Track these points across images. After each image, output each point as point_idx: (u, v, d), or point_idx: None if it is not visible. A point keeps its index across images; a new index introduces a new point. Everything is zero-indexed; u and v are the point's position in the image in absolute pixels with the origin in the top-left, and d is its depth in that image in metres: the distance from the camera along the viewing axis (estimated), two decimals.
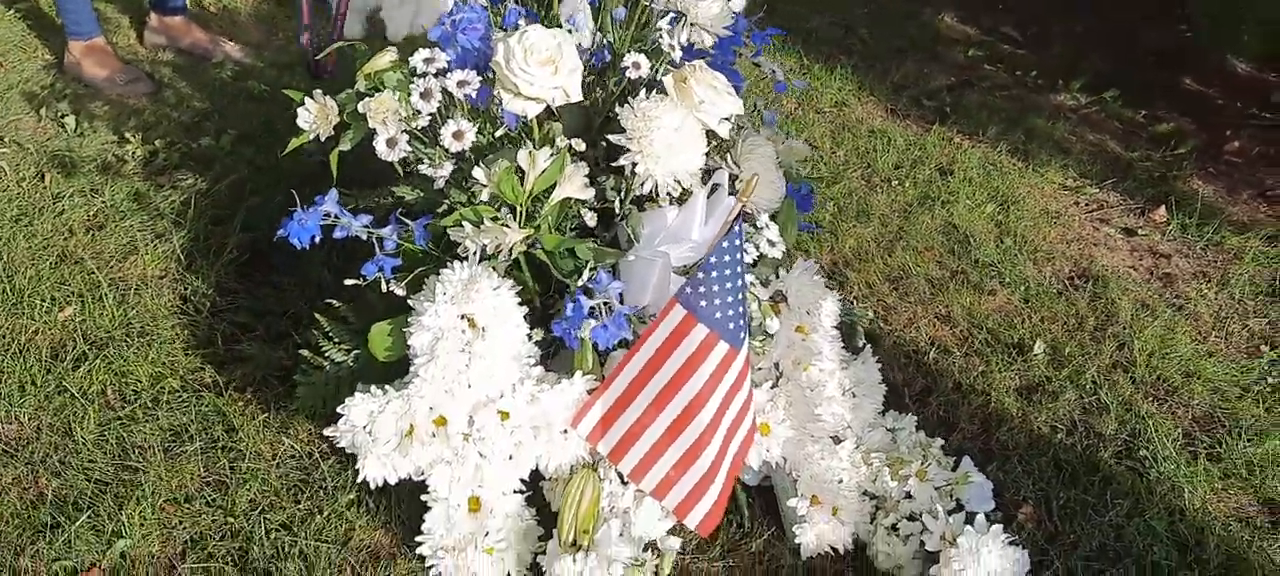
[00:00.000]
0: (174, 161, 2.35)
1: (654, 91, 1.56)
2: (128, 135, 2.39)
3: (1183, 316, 2.42)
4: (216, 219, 2.19)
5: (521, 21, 1.57)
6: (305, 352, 1.65)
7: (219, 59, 2.79)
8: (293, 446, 1.77)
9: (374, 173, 1.70)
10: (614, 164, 1.56)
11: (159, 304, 1.98)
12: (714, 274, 1.50)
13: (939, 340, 2.25)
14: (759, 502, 1.80)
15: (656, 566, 1.52)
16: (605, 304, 1.47)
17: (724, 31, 1.81)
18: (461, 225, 1.45)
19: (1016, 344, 2.26)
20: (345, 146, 1.49)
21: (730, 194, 1.74)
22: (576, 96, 1.47)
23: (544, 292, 1.67)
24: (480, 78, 1.44)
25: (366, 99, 1.43)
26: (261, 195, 2.26)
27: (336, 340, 1.64)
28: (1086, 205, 2.89)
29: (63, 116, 2.41)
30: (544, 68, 1.44)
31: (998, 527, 1.62)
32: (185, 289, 2.01)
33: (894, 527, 1.71)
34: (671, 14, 1.71)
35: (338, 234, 1.48)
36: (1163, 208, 2.88)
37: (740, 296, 1.53)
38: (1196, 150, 3.24)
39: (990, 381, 2.14)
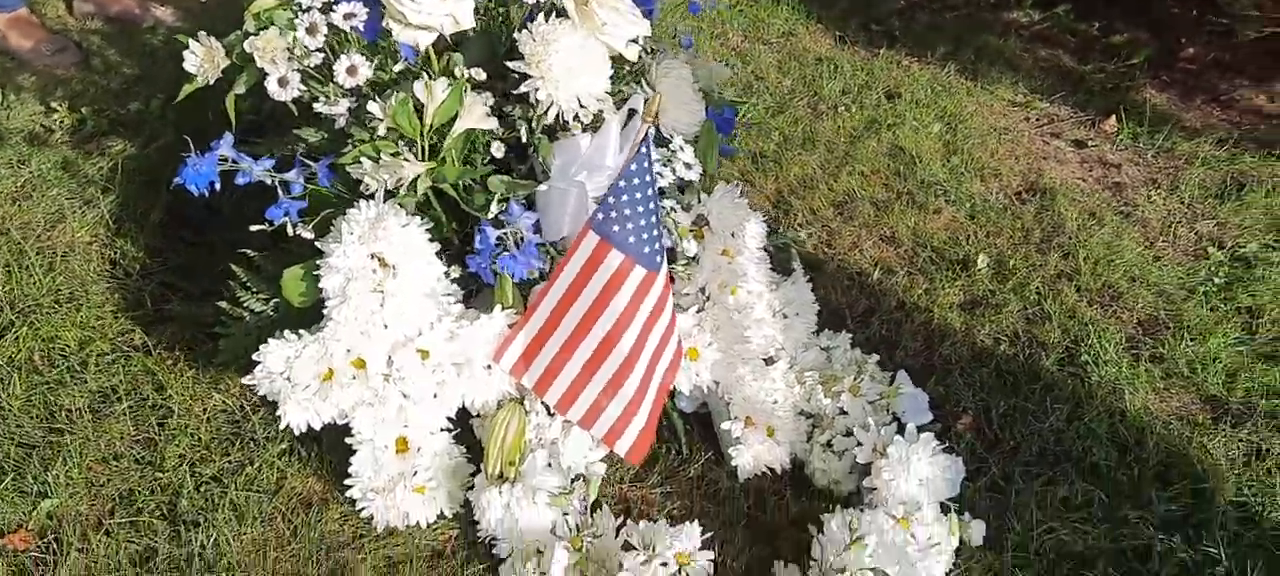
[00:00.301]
0: (102, 128, 2.31)
1: (553, 15, 1.53)
2: (55, 105, 2.35)
3: (1130, 223, 2.40)
4: (147, 182, 2.16)
5: None
6: (224, 305, 1.63)
7: (150, 24, 2.74)
8: (223, 401, 1.75)
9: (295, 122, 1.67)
10: (517, 92, 1.53)
11: (87, 269, 1.96)
12: (624, 198, 1.47)
13: (883, 261, 2.23)
14: (696, 428, 1.80)
15: (583, 493, 1.52)
16: (514, 234, 1.45)
17: None
18: (361, 162, 1.43)
19: (961, 260, 2.24)
20: (240, 89, 1.46)
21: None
22: (467, 22, 1.44)
23: (463, 230, 1.65)
24: (368, 9, 1.41)
25: (253, 38, 1.40)
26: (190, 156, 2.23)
27: (254, 290, 1.62)
28: (1036, 120, 2.86)
29: None
30: None
31: (929, 436, 1.62)
32: (114, 253, 1.99)
33: (829, 444, 1.71)
34: None
35: (240, 180, 1.46)
36: (1113, 118, 2.85)
37: (654, 220, 1.51)
38: (1150, 60, 3.21)
39: (934, 298, 2.13)
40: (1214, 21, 3.58)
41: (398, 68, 1.51)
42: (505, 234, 1.45)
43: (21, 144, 2.25)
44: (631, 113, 1.68)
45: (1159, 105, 2.99)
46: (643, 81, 1.74)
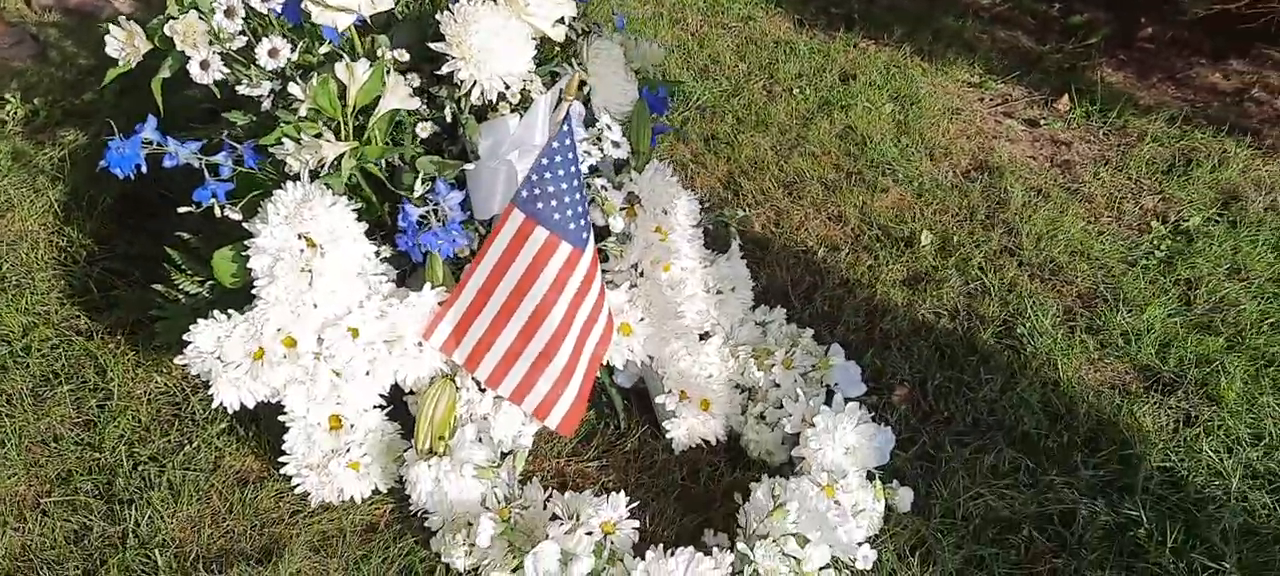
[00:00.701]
0: (55, 119, 2.33)
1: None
2: (7, 96, 2.36)
3: (1076, 199, 2.42)
4: (98, 171, 2.18)
5: None
6: (159, 288, 1.65)
7: (108, 14, 2.76)
8: (163, 383, 1.78)
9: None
10: (440, 72, 1.55)
11: (34, 257, 1.98)
12: (548, 176, 1.49)
13: (829, 239, 2.26)
14: (634, 403, 1.82)
15: (511, 466, 1.54)
16: (436, 212, 1.47)
17: None
18: (283, 143, 1.45)
19: (906, 238, 2.27)
20: (165, 73, 1.48)
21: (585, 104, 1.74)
22: (385, 4, 1.46)
23: (395, 210, 1.67)
24: None
25: (173, 21, 1.42)
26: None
27: (189, 272, 1.64)
28: (990, 100, 2.89)
29: None
30: None
31: (854, 405, 1.64)
32: (62, 241, 2.01)
33: (762, 416, 1.73)
34: None
35: (166, 162, 1.48)
36: (1065, 96, 2.87)
37: (578, 197, 1.53)
38: (1107, 39, 3.23)
39: (877, 275, 2.15)
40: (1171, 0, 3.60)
41: (323, 50, 1.53)
42: (428, 212, 1.48)
43: None
44: (561, 93, 1.71)
45: (1114, 83, 3.01)
46: (572, 62, 1.76)
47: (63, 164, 2.17)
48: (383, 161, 1.53)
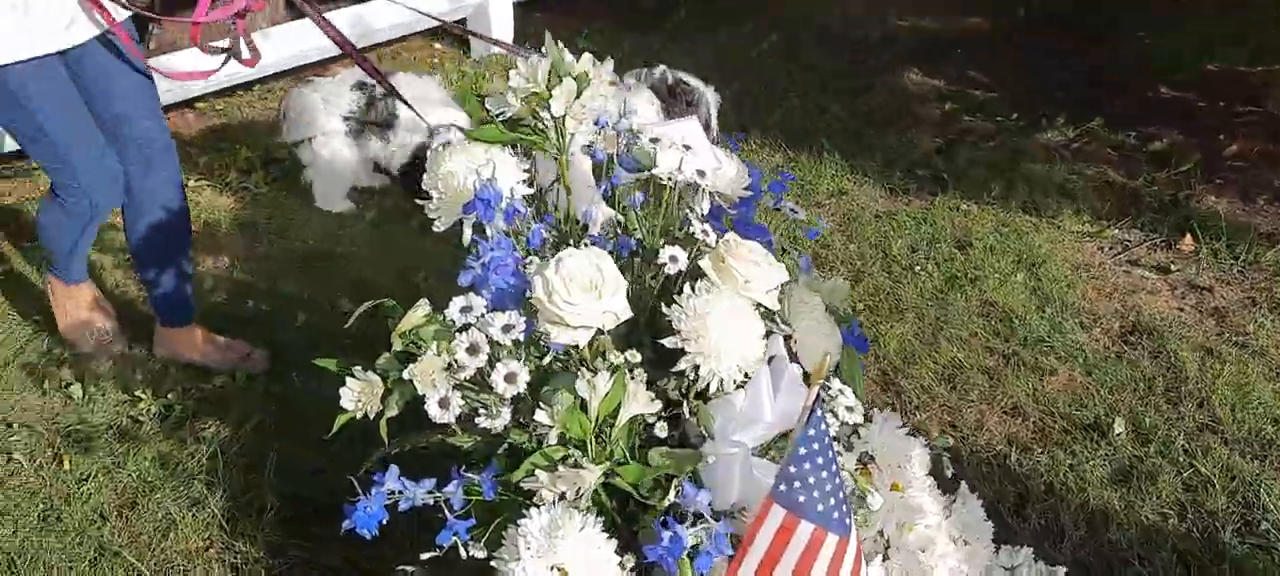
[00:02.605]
0: (190, 411, 2.20)
1: (698, 282, 1.46)
2: (138, 393, 2.24)
3: (1249, 355, 2.32)
4: (247, 467, 2.05)
5: (546, 238, 1.46)
6: None
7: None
8: None
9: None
10: (674, 369, 1.44)
11: None
12: (806, 465, 1.37)
13: (1015, 438, 2.13)
14: None
15: None
16: (706, 531, 1.34)
17: (745, 192, 1.72)
18: (534, 473, 1.33)
19: (1094, 424, 2.14)
20: (392, 412, 1.37)
21: (791, 360, 1.63)
22: (626, 315, 1.36)
23: (621, 508, 1.54)
24: (525, 318, 1.33)
25: (410, 365, 1.32)
26: (287, 435, 2.13)
27: None
28: (1111, 249, 2.81)
29: (68, 386, 2.26)
30: (587, 294, 1.33)
31: None
32: (233, 557, 1.86)
33: None
34: (693, 187, 1.61)
35: (402, 506, 1.35)
36: (1188, 236, 2.81)
37: (837, 482, 1.40)
38: (1199, 165, 3.20)
39: (1081, 474, 2.02)
40: (1245, 112, 3.60)
41: (546, 360, 1.42)
42: (697, 532, 1.34)
43: (112, 441, 2.13)
44: (772, 357, 1.60)
45: (1224, 212, 2.96)
46: (776, 319, 1.66)
47: (214, 463, 2.03)
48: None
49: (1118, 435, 2.10)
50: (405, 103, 2.29)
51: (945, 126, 3.60)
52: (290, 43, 3.44)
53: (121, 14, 1.85)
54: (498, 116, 1.51)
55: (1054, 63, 4.02)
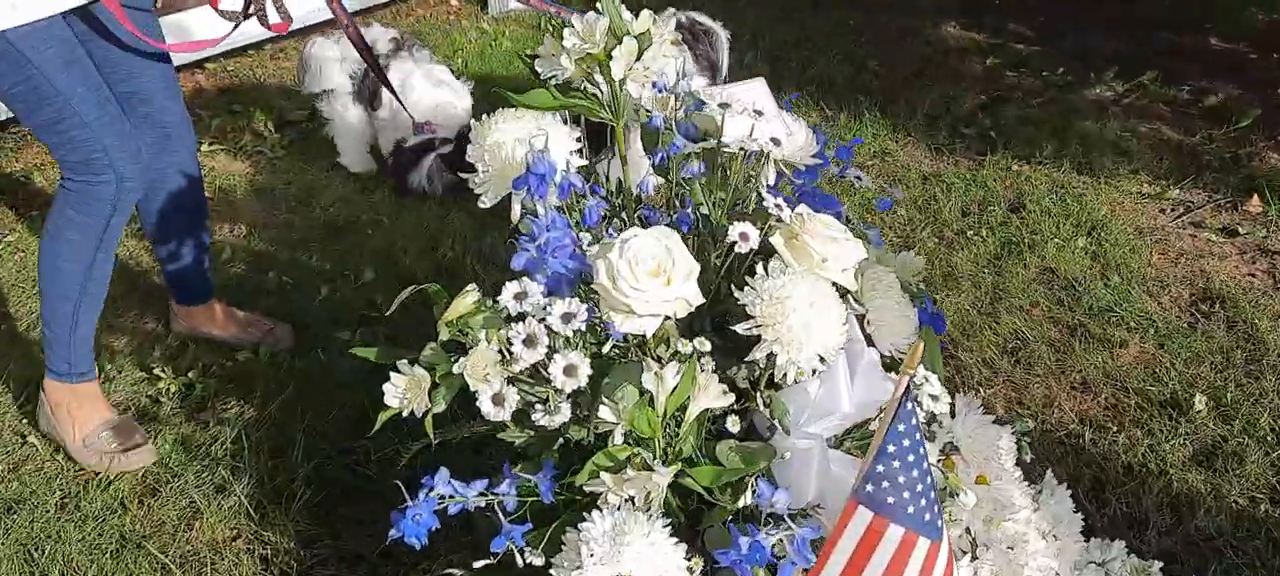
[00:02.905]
0: (212, 391, 2.09)
1: (769, 261, 1.32)
2: (157, 371, 2.12)
3: None
4: (274, 450, 1.93)
5: (605, 219, 1.32)
6: None
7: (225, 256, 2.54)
8: None
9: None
10: (747, 358, 1.31)
11: (239, 574, 1.72)
12: (896, 463, 1.25)
13: (1088, 416, 2.01)
14: None
15: None
16: (786, 537, 1.22)
17: (813, 160, 1.58)
18: (598, 475, 1.21)
19: (1171, 401, 2.02)
20: (439, 407, 1.24)
21: (867, 343, 1.50)
22: (698, 300, 1.23)
23: (683, 504, 1.42)
24: (586, 304, 1.20)
25: (462, 359, 1.19)
26: (313, 412, 2.01)
27: None
28: (1173, 211, 2.67)
29: None
30: (655, 280, 1.20)
31: None
32: (264, 549, 1.75)
33: None
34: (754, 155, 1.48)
35: (453, 510, 1.23)
36: (1255, 197, 2.66)
37: (929, 481, 1.28)
38: (1258, 122, 3.04)
39: (1162, 456, 1.89)
40: None
41: (606, 348, 1.30)
42: (776, 536, 1.22)
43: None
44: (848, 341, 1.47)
45: None
46: (849, 298, 1.52)
47: (239, 447, 1.91)
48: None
49: (1198, 412, 1.97)
50: (393, 93, 2.14)
51: (989, 82, 3.44)
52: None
53: None
54: (549, 80, 1.37)
55: (1096, 15, 3.85)
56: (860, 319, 1.57)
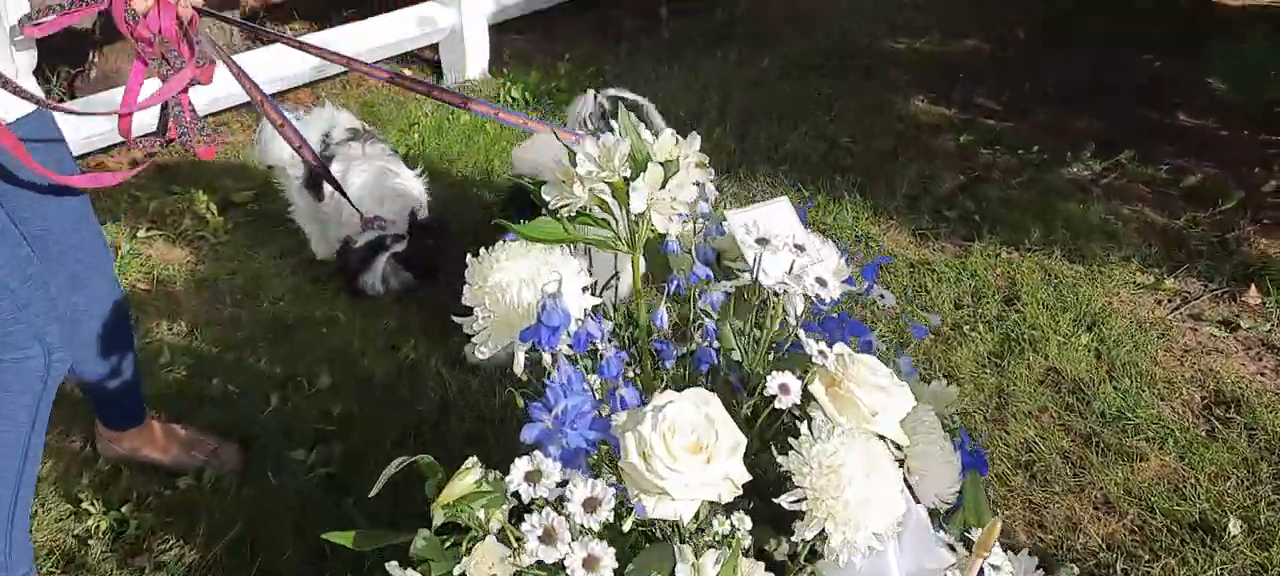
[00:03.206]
0: (148, 526, 1.84)
1: (809, 412, 1.15)
2: (85, 504, 1.87)
3: None
4: None
5: (623, 371, 1.14)
6: None
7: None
8: None
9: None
10: (792, 537, 1.14)
11: None
12: None
13: (1115, 541, 1.87)
14: None
15: None
16: None
17: (844, 286, 1.42)
18: None
19: (1201, 523, 1.89)
20: None
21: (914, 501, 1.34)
22: (745, 479, 1.05)
23: None
24: (614, 489, 1.02)
25: (467, 560, 0.99)
26: (267, 552, 1.78)
27: None
28: (1170, 303, 2.57)
29: None
30: (695, 456, 1.01)
31: None
32: None
33: None
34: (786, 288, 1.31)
35: None
36: (1253, 287, 2.58)
37: None
38: (1243, 202, 2.99)
39: None
40: (1274, 142, 3.42)
41: (627, 527, 1.11)
42: None
43: (55, 572, 1.76)
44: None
45: (1276, 255, 2.75)
46: (887, 443, 1.36)
47: None
48: None
49: (1233, 537, 1.85)
50: (335, 184, 1.92)
51: (965, 161, 3.35)
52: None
53: (17, 109, 1.42)
54: (559, 212, 1.18)
55: (1061, 88, 3.81)
56: (900, 463, 1.41)
